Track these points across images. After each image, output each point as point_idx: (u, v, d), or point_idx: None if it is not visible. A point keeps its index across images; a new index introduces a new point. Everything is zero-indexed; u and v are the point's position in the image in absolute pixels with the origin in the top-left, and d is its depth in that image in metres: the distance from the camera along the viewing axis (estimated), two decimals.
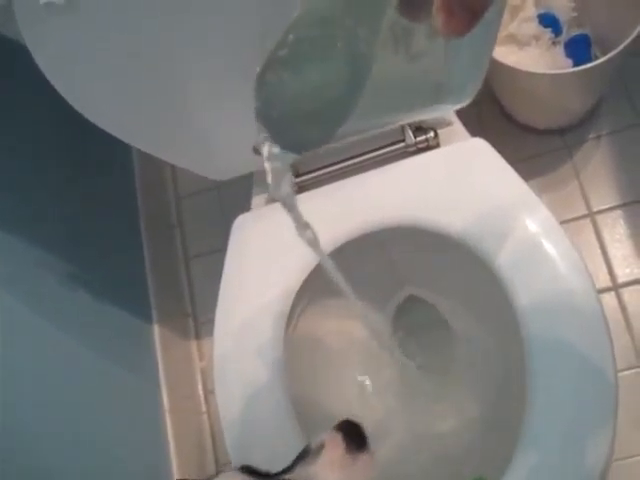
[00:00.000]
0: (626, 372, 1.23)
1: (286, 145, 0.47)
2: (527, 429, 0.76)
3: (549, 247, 0.82)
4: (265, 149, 0.47)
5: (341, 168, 0.96)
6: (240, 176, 1.03)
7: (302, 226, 0.55)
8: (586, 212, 1.34)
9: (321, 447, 0.60)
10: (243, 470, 0.59)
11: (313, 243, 0.56)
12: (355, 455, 0.62)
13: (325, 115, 0.45)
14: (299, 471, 0.58)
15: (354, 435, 0.63)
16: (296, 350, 0.93)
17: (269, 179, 0.48)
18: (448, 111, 0.83)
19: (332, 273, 0.64)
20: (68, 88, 0.79)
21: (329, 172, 0.97)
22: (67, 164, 1.25)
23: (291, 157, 0.47)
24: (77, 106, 0.81)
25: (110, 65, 0.78)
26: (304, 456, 0.61)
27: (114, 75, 0.80)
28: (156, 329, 1.37)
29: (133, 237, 1.41)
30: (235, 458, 0.86)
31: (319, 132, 0.46)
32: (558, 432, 0.75)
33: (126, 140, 0.89)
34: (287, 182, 0.49)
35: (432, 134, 0.93)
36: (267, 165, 0.47)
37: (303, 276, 0.91)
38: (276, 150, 0.47)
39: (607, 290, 1.29)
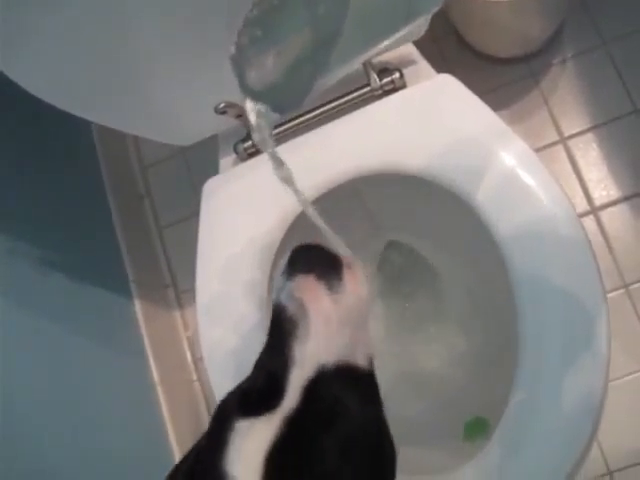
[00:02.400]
0: (611, 294, 1.24)
1: (274, 106, 0.49)
2: (521, 362, 0.75)
3: (526, 177, 0.80)
4: (252, 113, 0.49)
5: (306, 120, 0.93)
6: (205, 139, 1.00)
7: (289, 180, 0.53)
8: (558, 138, 1.32)
9: (301, 308, 0.47)
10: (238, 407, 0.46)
11: (297, 193, 0.54)
12: (341, 284, 0.49)
13: (307, 64, 0.47)
14: (300, 358, 0.46)
15: (324, 265, 0.50)
16: None
17: (255, 137, 0.51)
18: (425, 22, 0.79)
19: (316, 221, 0.61)
20: (9, 64, 0.74)
21: (294, 125, 0.94)
22: (20, 146, 1.20)
23: (276, 116, 0.49)
24: (23, 83, 0.77)
25: (56, 35, 0.74)
26: (283, 329, 0.48)
27: (60, 46, 0.75)
28: (137, 303, 1.35)
29: (102, 213, 1.38)
30: (219, 396, 0.84)
31: (302, 83, 0.49)
32: (553, 362, 0.75)
33: (81, 114, 0.85)
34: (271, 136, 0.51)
35: (397, 75, 0.90)
36: (253, 121, 0.49)
37: (282, 230, 0.89)
38: (262, 109, 0.49)
39: (585, 214, 1.28)
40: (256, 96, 0.49)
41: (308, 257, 0.51)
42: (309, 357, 0.46)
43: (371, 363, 0.50)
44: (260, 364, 0.51)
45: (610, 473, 1.22)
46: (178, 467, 0.52)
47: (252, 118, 0.50)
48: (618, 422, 1.19)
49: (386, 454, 0.49)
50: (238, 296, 0.89)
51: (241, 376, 0.83)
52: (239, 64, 0.48)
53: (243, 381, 0.51)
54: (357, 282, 0.50)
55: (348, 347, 0.48)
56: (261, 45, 0.47)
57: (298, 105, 0.51)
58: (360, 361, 0.49)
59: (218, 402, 0.51)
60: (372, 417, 0.49)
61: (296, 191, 0.53)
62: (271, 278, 0.89)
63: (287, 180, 0.53)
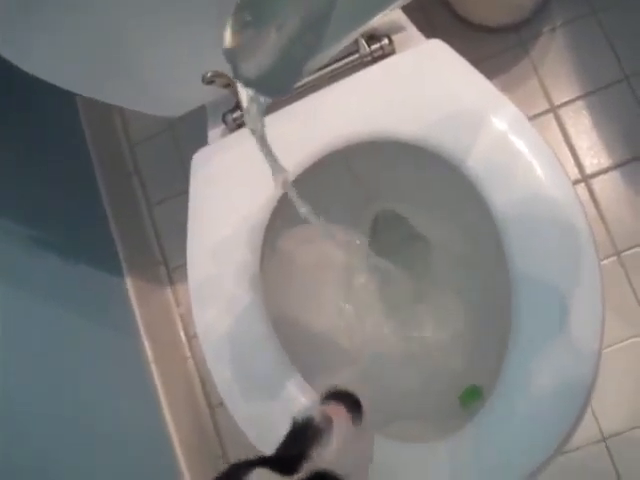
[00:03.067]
0: (603, 262, 1.24)
1: (266, 91, 0.51)
2: (515, 329, 0.75)
3: (519, 143, 0.79)
4: (244, 96, 0.52)
5: (296, 88, 0.92)
6: (192, 112, 0.99)
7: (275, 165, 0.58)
8: (548, 107, 1.32)
9: (328, 422, 0.56)
10: (256, 463, 0.54)
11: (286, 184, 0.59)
12: (361, 425, 0.59)
13: (298, 47, 0.48)
14: (317, 457, 0.54)
15: (351, 404, 0.60)
16: (273, 274, 0.91)
17: (247, 121, 0.53)
18: None
19: (297, 203, 0.63)
20: None
21: None
22: (3, 127, 1.18)
23: (269, 101, 0.52)
24: (6, 54, 0.75)
25: (38, 5, 0.72)
26: (307, 433, 0.56)
27: (42, 16, 0.74)
28: (128, 282, 1.34)
29: (90, 192, 1.36)
30: (217, 377, 0.85)
31: (294, 66, 0.50)
32: (547, 328, 0.74)
33: (64, 86, 0.84)
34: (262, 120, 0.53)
35: (386, 41, 0.89)
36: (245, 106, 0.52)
37: (273, 201, 0.88)
38: (252, 93, 0.51)
39: (577, 183, 1.28)
40: (249, 82, 0.51)
41: (341, 396, 0.60)
42: (321, 461, 0.53)
43: None
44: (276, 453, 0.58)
45: (604, 439, 1.23)
46: None
47: (244, 102, 0.52)
48: (612, 388, 1.20)
49: None
50: (230, 276, 0.88)
51: (236, 356, 0.84)
52: (231, 52, 0.49)
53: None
54: (371, 434, 0.61)
55: (349, 474, 0.54)
56: (252, 30, 0.48)
57: (290, 88, 0.54)
58: None
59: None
60: None
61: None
62: (262, 256, 0.89)
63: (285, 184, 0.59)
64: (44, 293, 1.10)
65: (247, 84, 0.51)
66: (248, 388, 0.85)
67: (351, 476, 0.54)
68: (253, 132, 0.55)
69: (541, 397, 0.73)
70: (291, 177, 0.59)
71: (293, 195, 0.62)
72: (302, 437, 0.56)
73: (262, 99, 0.52)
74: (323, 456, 0.54)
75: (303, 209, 0.63)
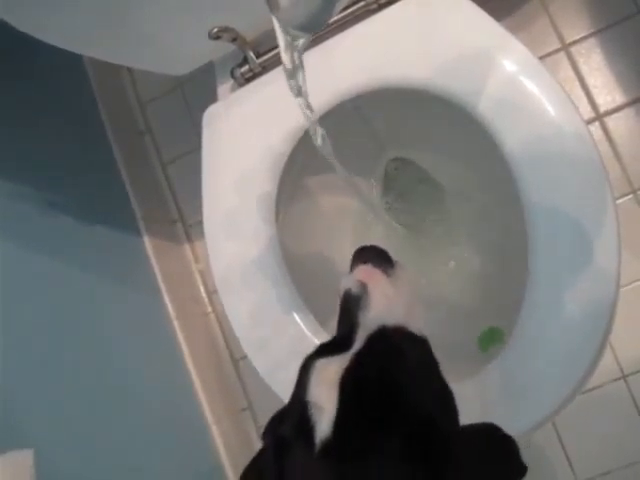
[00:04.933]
0: (620, 200, 1.24)
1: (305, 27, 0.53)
2: (532, 269, 0.76)
3: (529, 84, 0.79)
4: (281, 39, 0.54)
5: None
6: (201, 70, 0.99)
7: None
8: (559, 46, 1.29)
9: (364, 286, 0.56)
10: (315, 354, 0.54)
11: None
12: (394, 273, 0.59)
13: None
14: (365, 322, 0.54)
15: (379, 258, 0.61)
16: (288, 226, 0.92)
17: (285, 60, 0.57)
18: None
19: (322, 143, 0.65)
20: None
21: None
22: (14, 89, 1.17)
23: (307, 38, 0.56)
24: (13, 21, 0.75)
25: None
26: (349, 306, 0.56)
27: None
28: (146, 240, 1.36)
29: (104, 153, 1.37)
30: (238, 330, 0.88)
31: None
32: (564, 266, 0.75)
33: (70, 49, 0.84)
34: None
35: None
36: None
37: (288, 150, 0.89)
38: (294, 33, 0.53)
39: (591, 121, 1.26)
40: (287, 22, 0.53)
41: (365, 254, 0.61)
42: (371, 320, 0.54)
43: (425, 338, 0.57)
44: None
45: (624, 377, 1.24)
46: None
47: (282, 44, 0.55)
48: (631, 326, 1.20)
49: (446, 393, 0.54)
50: (244, 217, 0.90)
51: (249, 292, 0.83)
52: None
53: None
54: (404, 269, 0.61)
55: (403, 318, 0.55)
56: None
57: (326, 21, 0.55)
58: (414, 328, 0.56)
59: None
60: (428, 362, 0.55)
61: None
62: (279, 197, 0.90)
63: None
64: (62, 258, 1.11)
65: (287, 24, 0.53)
66: (259, 322, 0.88)
67: (406, 323, 0.55)
68: (292, 75, 0.58)
69: (560, 335, 0.74)
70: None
71: (329, 151, 0.65)
72: (347, 312, 0.57)
73: (300, 40, 0.55)
74: (369, 317, 0.54)
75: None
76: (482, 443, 0.50)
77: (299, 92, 0.61)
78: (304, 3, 0.51)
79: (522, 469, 0.49)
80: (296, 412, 0.50)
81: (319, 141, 0.68)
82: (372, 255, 0.61)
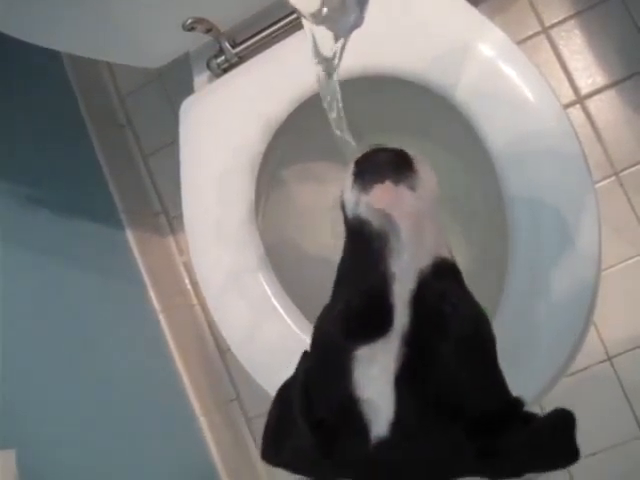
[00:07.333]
0: (602, 182, 1.24)
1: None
2: (514, 252, 0.76)
3: (507, 68, 0.78)
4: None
5: (278, 29, 0.91)
6: (180, 61, 0.99)
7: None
8: (539, 29, 1.29)
9: (388, 220, 0.43)
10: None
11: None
12: (416, 178, 0.46)
13: None
14: (399, 272, 0.43)
15: (397, 165, 0.46)
16: (268, 218, 0.92)
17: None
18: None
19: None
20: None
21: (266, 36, 0.91)
22: None
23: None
24: None
25: None
26: (375, 250, 0.44)
27: None
28: (129, 233, 1.35)
29: (84, 147, 1.36)
30: (224, 329, 0.89)
31: None
32: (546, 249, 0.75)
33: (46, 45, 0.83)
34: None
35: None
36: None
37: (266, 140, 0.88)
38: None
39: (572, 104, 1.26)
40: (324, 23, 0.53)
41: (376, 163, 0.47)
42: (408, 268, 0.44)
43: (451, 251, 0.48)
44: (346, 285, 0.48)
45: (609, 359, 1.24)
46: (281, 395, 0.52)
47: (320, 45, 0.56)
48: (615, 308, 1.20)
49: (491, 338, 0.48)
50: (224, 207, 0.89)
51: (230, 284, 0.83)
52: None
53: (333, 305, 0.49)
54: (428, 170, 0.47)
55: (435, 242, 0.46)
56: None
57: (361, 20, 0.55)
58: (446, 253, 0.47)
59: (314, 328, 0.50)
60: (474, 306, 0.48)
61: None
62: (258, 191, 0.89)
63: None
64: (44, 252, 1.10)
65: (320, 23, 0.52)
66: (244, 319, 0.88)
67: (437, 252, 0.45)
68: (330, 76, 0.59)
69: (543, 318, 0.74)
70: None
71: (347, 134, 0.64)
72: (368, 258, 0.44)
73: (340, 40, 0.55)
74: (404, 264, 0.43)
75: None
76: (549, 426, 0.47)
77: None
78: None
79: (575, 454, 0.45)
80: (340, 403, 0.44)
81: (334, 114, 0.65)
82: (389, 163, 0.46)
